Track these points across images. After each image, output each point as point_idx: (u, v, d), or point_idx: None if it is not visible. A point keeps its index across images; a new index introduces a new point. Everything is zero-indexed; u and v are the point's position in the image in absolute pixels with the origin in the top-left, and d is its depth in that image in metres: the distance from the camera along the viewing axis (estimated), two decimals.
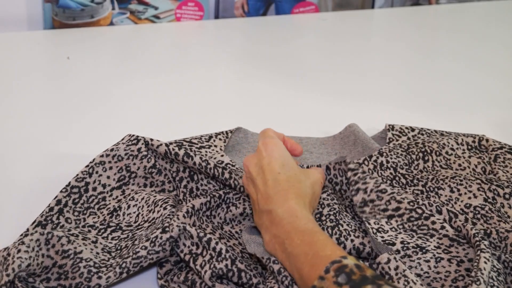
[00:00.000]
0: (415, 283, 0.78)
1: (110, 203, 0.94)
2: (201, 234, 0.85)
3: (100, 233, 0.89)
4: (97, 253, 0.85)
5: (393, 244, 0.87)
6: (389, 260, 0.81)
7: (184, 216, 0.88)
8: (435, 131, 1.11)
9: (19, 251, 0.80)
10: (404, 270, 0.80)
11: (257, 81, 1.34)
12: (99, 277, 0.81)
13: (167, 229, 0.84)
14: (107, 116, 1.20)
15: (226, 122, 1.17)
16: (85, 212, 0.93)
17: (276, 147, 0.90)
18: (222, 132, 1.07)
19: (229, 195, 0.94)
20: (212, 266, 0.82)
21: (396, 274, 0.80)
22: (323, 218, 0.91)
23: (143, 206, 0.93)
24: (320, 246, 0.77)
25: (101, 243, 0.87)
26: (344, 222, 0.91)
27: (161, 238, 0.84)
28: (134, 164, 0.97)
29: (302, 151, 0.96)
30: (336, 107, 1.25)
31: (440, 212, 0.92)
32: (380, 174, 1.00)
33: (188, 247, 0.85)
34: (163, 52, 1.45)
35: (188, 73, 1.36)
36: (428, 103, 1.27)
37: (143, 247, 0.83)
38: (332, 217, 0.91)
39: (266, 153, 0.89)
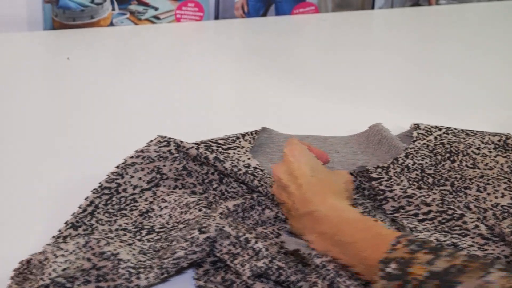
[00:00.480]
0: None
1: (141, 205, 0.94)
2: (239, 234, 0.85)
3: (134, 236, 0.89)
4: (135, 254, 0.85)
5: (428, 242, 0.87)
6: None
7: (219, 217, 0.88)
8: (461, 130, 1.11)
9: (55, 255, 0.79)
10: None
11: (258, 81, 1.34)
12: (139, 278, 0.81)
13: (204, 229, 0.84)
14: (107, 116, 1.20)
15: (226, 123, 1.17)
16: (116, 213, 0.92)
17: (303, 153, 0.91)
18: (248, 133, 1.07)
19: (262, 197, 0.94)
20: (251, 264, 0.82)
21: None
22: None
23: (175, 207, 0.93)
24: (377, 228, 0.79)
25: (137, 245, 0.87)
26: (379, 217, 0.91)
27: (199, 238, 0.84)
28: (165, 166, 0.97)
29: (329, 159, 0.97)
30: (336, 107, 1.25)
31: (469, 208, 0.93)
32: (407, 176, 1.00)
33: (226, 247, 0.85)
34: (163, 52, 1.45)
35: (188, 74, 1.36)
36: (428, 103, 1.28)
37: (181, 248, 0.83)
38: (366, 214, 0.91)
39: (294, 159, 0.90)
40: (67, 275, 0.79)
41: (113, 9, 1.50)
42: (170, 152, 0.97)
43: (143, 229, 0.90)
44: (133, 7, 1.51)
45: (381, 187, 0.94)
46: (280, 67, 1.40)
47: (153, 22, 1.54)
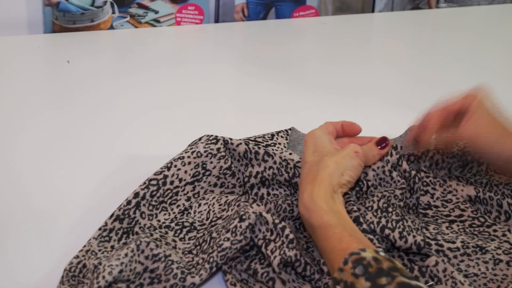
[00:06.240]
0: (462, 284, 0.80)
1: (180, 199, 0.95)
2: (276, 221, 0.86)
3: (176, 235, 0.90)
4: (180, 257, 0.86)
5: (453, 242, 0.88)
6: (437, 263, 0.83)
7: (258, 205, 0.89)
8: None
9: (109, 259, 0.80)
10: (452, 272, 0.81)
11: (258, 84, 1.34)
12: (193, 276, 0.82)
13: (244, 217, 0.86)
14: (106, 119, 1.20)
15: (227, 126, 1.17)
16: (158, 206, 0.93)
17: (311, 137, 0.93)
18: (282, 131, 1.09)
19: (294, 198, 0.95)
20: (282, 252, 0.83)
21: (445, 276, 0.82)
22: (390, 209, 0.91)
23: (214, 204, 0.94)
24: (335, 240, 0.79)
25: (180, 248, 0.88)
26: (409, 218, 0.91)
27: (240, 227, 0.85)
28: (211, 162, 0.97)
29: (360, 129, 0.97)
30: (336, 110, 1.25)
31: (500, 206, 0.93)
32: (435, 174, 1.00)
33: (263, 232, 0.86)
34: (163, 56, 1.45)
35: (188, 77, 1.36)
36: (428, 106, 1.27)
37: (226, 239, 0.85)
38: (398, 210, 0.91)
39: (305, 148, 0.93)
40: (123, 278, 0.80)
41: (113, 12, 1.50)
42: (218, 150, 0.98)
43: (185, 226, 0.92)
44: (133, 10, 1.51)
45: (427, 180, 0.96)
46: (280, 70, 1.40)
47: (153, 26, 1.54)
